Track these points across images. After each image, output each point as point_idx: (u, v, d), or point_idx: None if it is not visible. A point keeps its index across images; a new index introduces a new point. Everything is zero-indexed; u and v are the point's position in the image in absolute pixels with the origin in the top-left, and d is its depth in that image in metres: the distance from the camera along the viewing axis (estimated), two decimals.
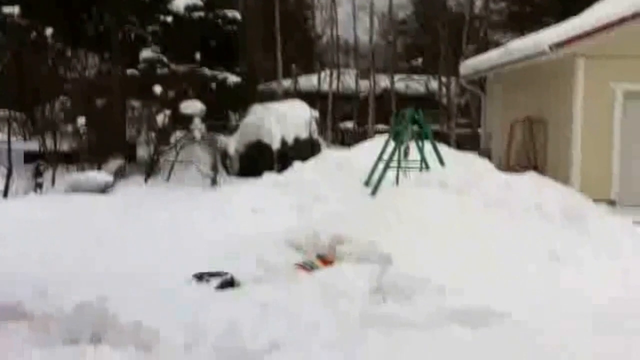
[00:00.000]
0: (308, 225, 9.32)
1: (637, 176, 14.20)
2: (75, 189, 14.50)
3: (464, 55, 29.24)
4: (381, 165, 13.40)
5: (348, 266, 7.47)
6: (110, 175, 15.87)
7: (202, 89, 19.58)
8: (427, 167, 13.17)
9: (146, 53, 19.61)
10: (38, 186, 14.70)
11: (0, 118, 17.55)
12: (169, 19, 19.61)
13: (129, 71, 19.21)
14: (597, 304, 6.77)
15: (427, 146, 13.67)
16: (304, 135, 19.76)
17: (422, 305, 6.53)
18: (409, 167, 13.35)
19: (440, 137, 23.95)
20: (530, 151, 15.86)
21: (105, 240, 9.42)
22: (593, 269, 7.67)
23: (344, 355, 5.42)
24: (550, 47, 13.74)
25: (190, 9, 19.91)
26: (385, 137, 14.75)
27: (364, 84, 35.46)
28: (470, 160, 13.76)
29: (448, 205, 8.71)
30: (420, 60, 40.92)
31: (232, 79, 20.64)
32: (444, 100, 35.32)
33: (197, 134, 18.28)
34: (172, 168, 17.97)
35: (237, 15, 21.00)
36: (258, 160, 18.50)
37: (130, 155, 19.38)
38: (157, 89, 18.02)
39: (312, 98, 29.19)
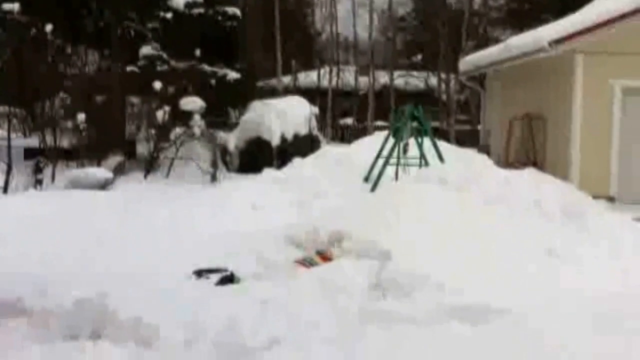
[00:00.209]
0: (308, 222, 9.32)
1: (637, 172, 14.21)
2: (75, 185, 14.49)
3: (463, 51, 29.24)
4: (381, 162, 13.42)
5: (347, 262, 7.47)
6: (110, 171, 15.86)
7: (201, 86, 19.56)
8: (427, 163, 13.17)
9: (146, 49, 19.57)
10: (38, 182, 14.70)
11: (0, 114, 17.55)
12: (169, 15, 19.57)
13: (129, 68, 19.19)
14: (597, 300, 6.76)
15: (427, 142, 13.69)
16: (303, 131, 19.78)
17: (421, 302, 6.53)
18: (408, 164, 13.37)
19: (439, 133, 24.03)
20: (530, 148, 15.87)
21: (105, 237, 9.40)
22: (593, 266, 7.66)
23: (343, 351, 5.41)
24: (550, 44, 13.75)
25: (190, 5, 19.88)
26: (384, 133, 14.76)
27: (364, 81, 35.48)
28: (470, 157, 13.77)
29: (448, 202, 8.71)
30: (419, 56, 40.97)
31: (232, 75, 20.61)
32: (444, 97, 35.35)
33: (197, 131, 18.28)
34: (171, 164, 17.97)
35: (237, 11, 20.96)
36: (258, 156, 18.51)
37: (130, 152, 19.37)
38: (157, 85, 18.03)
39: (311, 94, 29.22)
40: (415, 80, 37.93)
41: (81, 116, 17.10)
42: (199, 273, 7.44)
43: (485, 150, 18.18)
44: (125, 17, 19.82)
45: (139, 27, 19.87)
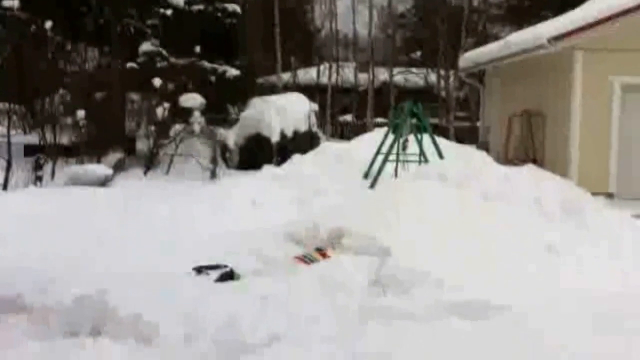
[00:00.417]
0: (307, 219, 9.32)
1: (636, 169, 14.21)
2: (75, 182, 14.49)
3: (463, 48, 29.24)
4: (380, 158, 13.43)
5: (347, 259, 7.49)
6: (110, 168, 15.86)
7: (201, 82, 19.57)
8: (426, 160, 13.18)
9: (146, 46, 19.57)
10: (38, 179, 14.70)
11: (0, 111, 17.54)
12: (169, 12, 19.56)
13: (129, 64, 19.16)
14: (597, 299, 6.77)
15: (426, 139, 13.69)
16: (303, 128, 19.79)
17: (421, 298, 6.55)
18: (407, 160, 13.38)
19: (439, 130, 24.02)
20: (529, 145, 15.86)
21: (105, 235, 9.40)
22: (592, 265, 7.66)
23: (343, 348, 5.42)
24: (549, 41, 13.73)
25: (189, 2, 19.87)
26: (384, 130, 14.77)
27: (363, 77, 35.46)
28: (469, 154, 13.75)
29: (447, 199, 8.71)
30: (419, 53, 40.90)
31: (232, 72, 20.60)
32: (443, 94, 35.30)
33: (197, 127, 18.29)
34: (171, 161, 17.98)
35: (237, 8, 20.95)
36: (257, 153, 18.53)
37: (129, 149, 19.37)
38: (157, 82, 18.02)
39: (311, 91, 29.21)
40: (414, 77, 37.89)
41: (81, 113, 17.09)
42: (199, 270, 7.44)
43: (484, 147, 18.16)
44: (125, 14, 19.81)
45: (139, 24, 19.87)
